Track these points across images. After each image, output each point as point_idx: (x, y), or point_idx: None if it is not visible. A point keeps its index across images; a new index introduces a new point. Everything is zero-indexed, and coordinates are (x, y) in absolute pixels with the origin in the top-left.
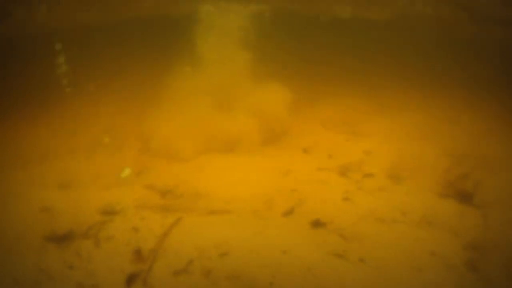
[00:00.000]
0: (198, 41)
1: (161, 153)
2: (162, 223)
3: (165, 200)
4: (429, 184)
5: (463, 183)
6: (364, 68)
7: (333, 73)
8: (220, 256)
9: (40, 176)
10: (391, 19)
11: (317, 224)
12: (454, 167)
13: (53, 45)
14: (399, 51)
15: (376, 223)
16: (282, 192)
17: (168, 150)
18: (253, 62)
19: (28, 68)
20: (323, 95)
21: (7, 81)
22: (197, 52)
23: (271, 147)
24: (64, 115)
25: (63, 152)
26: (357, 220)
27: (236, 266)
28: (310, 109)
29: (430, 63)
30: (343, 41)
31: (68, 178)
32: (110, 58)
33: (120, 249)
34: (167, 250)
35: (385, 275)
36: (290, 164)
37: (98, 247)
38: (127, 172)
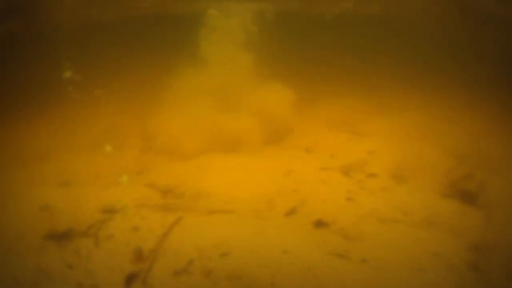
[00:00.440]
0: (197, 40)
1: (162, 153)
2: (162, 222)
3: (165, 200)
4: (431, 184)
5: (465, 183)
6: (364, 67)
7: (333, 73)
8: (220, 256)
9: (40, 176)
10: (390, 16)
11: (319, 224)
12: (456, 167)
13: (53, 44)
14: (398, 51)
15: (378, 223)
16: (283, 192)
17: (169, 149)
18: (252, 62)
19: (28, 67)
20: (323, 95)
21: (7, 81)
22: (197, 51)
23: (272, 146)
24: (64, 114)
25: (63, 151)
26: (359, 220)
27: (237, 266)
28: (310, 109)
29: (429, 63)
30: (342, 41)
31: (68, 177)
32: (110, 58)
33: (120, 249)
34: (167, 250)
35: (386, 276)
36: (291, 164)
37: (97, 246)
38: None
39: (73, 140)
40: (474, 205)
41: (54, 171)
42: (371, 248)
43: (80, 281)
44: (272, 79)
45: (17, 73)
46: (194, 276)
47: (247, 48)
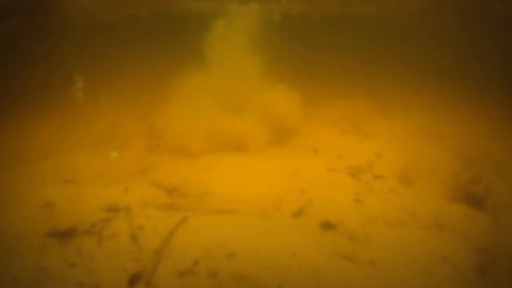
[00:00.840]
0: (201, 40)
1: (167, 151)
2: (167, 222)
3: (170, 199)
4: (438, 186)
5: (473, 186)
6: (365, 68)
7: (334, 74)
8: (226, 256)
9: (41, 174)
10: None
11: (326, 225)
12: (463, 170)
13: (53, 44)
14: (399, 51)
15: (385, 226)
16: (290, 192)
17: (173, 148)
18: (252, 62)
19: (28, 67)
20: (328, 96)
21: (7, 81)
22: (201, 51)
23: (279, 146)
24: (65, 114)
25: (64, 150)
26: (367, 222)
27: (243, 267)
28: (316, 109)
29: (429, 62)
30: (342, 41)
31: (70, 176)
32: (111, 57)
33: (123, 248)
34: (172, 250)
35: (394, 279)
36: (299, 164)
37: (100, 245)
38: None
39: (75, 139)
40: (481, 209)
41: (55, 169)
42: (378, 250)
43: (81, 281)
44: (275, 79)
45: (17, 73)
46: (199, 277)
47: (247, 48)
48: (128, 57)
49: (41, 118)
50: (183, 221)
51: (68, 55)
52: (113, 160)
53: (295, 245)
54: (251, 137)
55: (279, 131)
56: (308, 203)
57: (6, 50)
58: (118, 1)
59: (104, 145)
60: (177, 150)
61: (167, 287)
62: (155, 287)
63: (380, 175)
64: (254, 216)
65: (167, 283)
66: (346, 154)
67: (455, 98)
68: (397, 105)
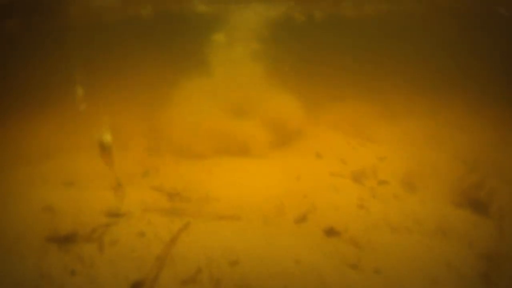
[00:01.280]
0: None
1: (168, 154)
2: (169, 228)
3: (172, 203)
4: (442, 192)
5: (477, 192)
6: (366, 69)
7: (335, 75)
8: (230, 264)
9: (41, 175)
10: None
11: (330, 232)
12: (467, 175)
13: (54, 44)
14: (400, 53)
15: (390, 232)
16: (293, 197)
17: (175, 151)
18: (252, 63)
19: (28, 67)
20: (329, 97)
21: (7, 81)
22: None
23: (282, 150)
24: (65, 114)
25: (65, 151)
26: (371, 229)
27: (247, 276)
28: (317, 111)
29: (429, 63)
30: (342, 41)
31: (71, 177)
32: (111, 58)
33: (124, 255)
34: (174, 257)
35: (399, 287)
36: (301, 168)
37: (101, 252)
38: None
39: (75, 139)
40: (485, 215)
41: (55, 170)
42: (383, 257)
43: None
44: (275, 80)
45: (17, 73)
46: (202, 286)
47: (247, 48)
48: (129, 57)
49: (41, 118)
50: (185, 227)
51: (68, 55)
52: (115, 162)
53: (299, 253)
54: (253, 140)
55: (281, 134)
56: (311, 209)
57: (6, 50)
58: (119, 1)
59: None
60: (178, 152)
61: None
62: None
63: (384, 180)
64: (257, 222)
65: None
66: (349, 158)
67: (456, 100)
68: (399, 108)
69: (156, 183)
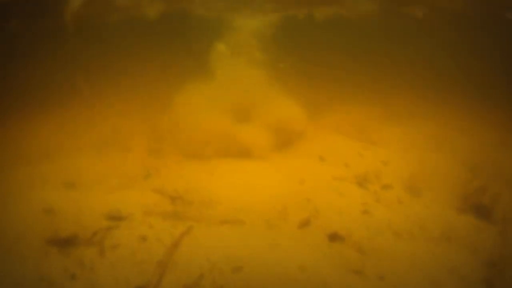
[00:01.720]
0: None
1: (170, 156)
2: (171, 232)
3: (174, 207)
4: (446, 197)
5: (480, 196)
6: (366, 70)
7: (336, 75)
8: (233, 270)
9: (42, 175)
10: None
11: (334, 237)
12: (470, 179)
13: (54, 44)
14: (399, 52)
15: (394, 238)
16: (297, 202)
17: (177, 153)
18: (252, 62)
19: (28, 67)
20: (330, 99)
21: (7, 81)
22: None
23: (284, 153)
24: (65, 114)
25: (66, 151)
26: (376, 234)
27: (250, 282)
28: (320, 113)
29: (431, 64)
30: (342, 41)
31: (71, 179)
32: (113, 58)
33: (126, 259)
34: (176, 262)
35: None
36: (305, 171)
37: (102, 256)
38: None
39: (75, 140)
40: (489, 220)
41: (56, 171)
42: (387, 263)
43: None
44: (277, 82)
45: (17, 73)
46: None
47: (248, 48)
48: (131, 58)
49: (41, 118)
50: (187, 231)
51: (69, 55)
52: (116, 163)
53: (302, 258)
54: (255, 142)
55: (282, 136)
56: (315, 213)
57: (6, 50)
58: (119, 1)
59: (107, 147)
60: (180, 153)
61: None
62: None
63: (388, 184)
64: (261, 227)
65: None
66: (353, 161)
67: (459, 102)
68: (401, 110)
69: (157, 185)
